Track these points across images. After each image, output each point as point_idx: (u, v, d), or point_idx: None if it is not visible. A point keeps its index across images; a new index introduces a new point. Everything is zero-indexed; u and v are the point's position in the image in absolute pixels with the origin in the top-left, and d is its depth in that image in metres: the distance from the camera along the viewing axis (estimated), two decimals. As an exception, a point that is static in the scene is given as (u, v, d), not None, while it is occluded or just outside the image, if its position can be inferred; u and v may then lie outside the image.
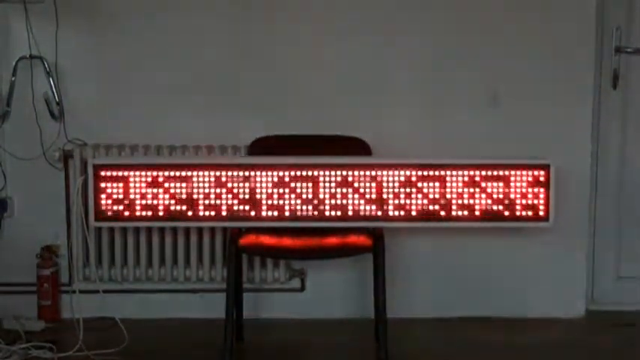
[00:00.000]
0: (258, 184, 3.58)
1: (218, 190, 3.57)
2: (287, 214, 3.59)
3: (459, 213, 3.61)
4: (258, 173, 3.57)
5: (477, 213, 3.61)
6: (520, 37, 3.94)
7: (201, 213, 3.59)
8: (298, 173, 3.58)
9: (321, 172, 3.58)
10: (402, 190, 3.59)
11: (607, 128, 4.09)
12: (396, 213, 3.59)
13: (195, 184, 3.58)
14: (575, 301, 4.06)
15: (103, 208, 3.60)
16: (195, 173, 3.57)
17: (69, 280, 3.97)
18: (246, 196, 3.58)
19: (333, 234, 3.63)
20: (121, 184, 3.58)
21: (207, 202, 3.58)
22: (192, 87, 3.95)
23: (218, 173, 3.58)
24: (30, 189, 3.97)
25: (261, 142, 3.85)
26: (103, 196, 3.59)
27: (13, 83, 3.89)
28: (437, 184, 3.59)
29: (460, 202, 3.60)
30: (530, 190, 3.60)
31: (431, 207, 3.60)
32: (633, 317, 4.05)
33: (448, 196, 3.59)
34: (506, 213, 3.61)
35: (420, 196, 3.59)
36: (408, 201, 3.59)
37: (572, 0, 3.92)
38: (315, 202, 3.59)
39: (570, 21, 3.93)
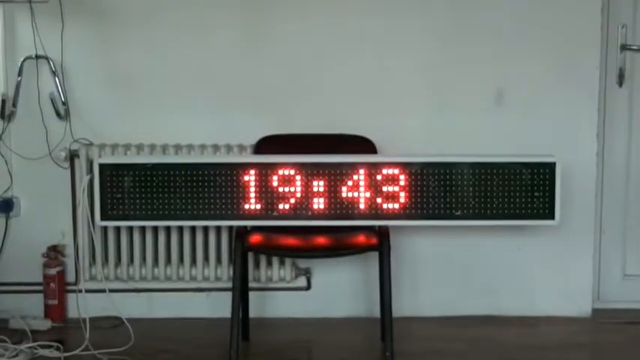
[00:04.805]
0: (264, 183, 3.58)
1: (224, 189, 3.57)
2: (293, 212, 3.59)
3: (465, 211, 3.60)
4: (264, 172, 3.57)
5: (483, 211, 3.60)
6: (525, 35, 3.93)
7: (207, 212, 3.59)
8: (304, 172, 3.58)
9: (327, 171, 3.58)
10: (407, 188, 3.59)
11: (613, 126, 4.09)
12: (402, 211, 3.59)
13: (201, 183, 3.58)
14: (581, 300, 4.05)
15: (109, 207, 3.60)
16: (201, 172, 3.58)
17: (75, 280, 3.97)
18: (252, 195, 3.58)
19: (338, 232, 3.63)
20: (126, 184, 3.59)
21: (213, 200, 3.58)
22: (198, 86, 3.95)
23: (224, 172, 3.58)
24: (36, 189, 3.98)
25: (267, 141, 3.85)
26: (109, 195, 3.59)
27: (18, 83, 3.90)
28: (442, 182, 3.59)
29: (466, 200, 3.60)
30: (536, 188, 3.59)
31: (436, 205, 3.59)
32: (639, 315, 4.04)
33: (454, 194, 3.59)
34: (512, 211, 3.60)
35: (425, 194, 3.59)
36: (413, 199, 3.59)
37: (578, -2, 3.93)
38: (321, 200, 3.59)
39: (576, 19, 3.92)
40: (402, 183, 3.59)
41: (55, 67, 3.88)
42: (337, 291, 4.04)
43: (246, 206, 3.59)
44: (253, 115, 3.94)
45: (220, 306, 3.86)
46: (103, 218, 3.64)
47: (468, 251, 4.01)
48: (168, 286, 4.01)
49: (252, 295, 3.86)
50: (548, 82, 3.95)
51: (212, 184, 3.59)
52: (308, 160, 3.61)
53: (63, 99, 3.91)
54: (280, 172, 3.59)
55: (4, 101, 3.90)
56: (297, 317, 4.01)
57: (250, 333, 3.77)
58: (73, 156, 3.91)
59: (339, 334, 3.89)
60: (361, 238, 3.60)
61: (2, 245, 3.99)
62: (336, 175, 3.59)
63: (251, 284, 3.89)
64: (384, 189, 3.59)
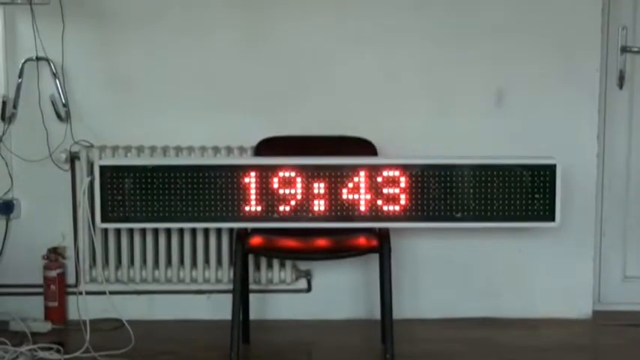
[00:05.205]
0: (264, 185, 3.58)
1: (225, 191, 3.57)
2: (293, 214, 3.59)
3: (465, 213, 3.60)
4: (264, 174, 3.57)
5: (483, 213, 3.60)
6: (526, 37, 3.93)
7: (207, 214, 3.59)
8: (304, 174, 3.58)
9: (327, 173, 3.58)
10: (407, 190, 3.58)
11: (613, 128, 4.09)
12: (402, 213, 3.59)
13: (201, 185, 3.58)
14: (581, 302, 4.05)
15: (110, 209, 3.60)
16: (201, 174, 3.57)
17: (75, 282, 3.97)
18: (253, 197, 3.58)
19: (339, 234, 3.63)
20: (127, 186, 3.59)
21: (213, 202, 3.58)
22: (198, 88, 3.95)
23: (225, 174, 3.58)
24: (36, 191, 3.98)
25: (268, 143, 3.85)
26: (110, 197, 3.59)
27: (19, 85, 3.90)
28: (442, 184, 3.59)
29: (466, 202, 3.60)
30: (536, 190, 3.59)
31: (437, 207, 3.59)
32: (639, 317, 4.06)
33: (454, 196, 3.59)
34: (513, 213, 3.60)
35: (425, 196, 3.59)
36: (413, 201, 3.58)
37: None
38: (322, 202, 3.58)
39: (576, 20, 3.92)
40: (402, 185, 3.58)
41: (55, 68, 3.89)
42: (338, 293, 4.04)
43: (247, 208, 3.59)
44: (254, 117, 3.94)
45: (221, 308, 3.86)
46: (103, 220, 3.63)
47: (468, 253, 4.01)
48: (169, 288, 4.01)
49: (252, 297, 3.86)
50: (548, 84, 3.96)
51: (212, 186, 3.58)
52: (308, 162, 3.60)
53: (63, 101, 3.91)
54: (281, 174, 3.58)
55: (4, 103, 3.90)
56: (297, 319, 4.01)
57: (251, 335, 3.76)
58: (73, 158, 3.91)
59: (339, 336, 3.88)
60: (361, 240, 3.60)
61: (2, 247, 3.99)
62: (337, 177, 3.59)
63: (251, 286, 3.88)
64: (385, 191, 3.58)
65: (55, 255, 3.97)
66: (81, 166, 3.88)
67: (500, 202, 3.60)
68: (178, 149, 3.89)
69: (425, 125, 3.97)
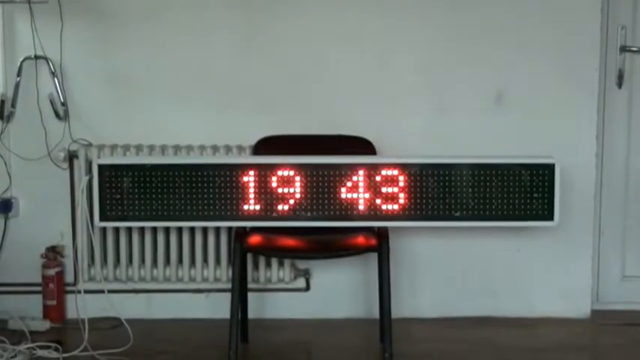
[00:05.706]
0: (263, 184, 3.58)
1: (223, 190, 3.57)
2: (292, 213, 3.59)
3: (464, 212, 3.60)
4: (263, 173, 3.57)
5: (482, 212, 3.60)
6: (525, 37, 3.93)
7: (206, 213, 3.59)
8: (303, 173, 3.58)
9: (326, 172, 3.58)
10: (406, 189, 3.58)
11: (612, 127, 4.09)
12: (401, 212, 3.59)
13: (200, 184, 3.58)
14: (580, 301, 4.05)
15: (108, 207, 3.60)
16: (200, 173, 3.58)
17: (74, 280, 3.97)
18: (252, 196, 3.58)
19: (337, 233, 3.63)
20: (125, 184, 3.59)
21: (212, 201, 3.58)
22: (197, 87, 3.95)
23: (223, 173, 3.58)
24: (35, 189, 3.97)
25: (266, 142, 3.85)
26: (108, 196, 3.59)
27: (18, 83, 3.90)
28: (441, 183, 3.59)
29: (465, 201, 3.60)
30: (535, 189, 3.59)
31: (436, 206, 3.59)
32: (639, 317, 4.04)
33: (453, 195, 3.59)
34: (512, 212, 3.60)
35: (424, 195, 3.59)
36: (412, 200, 3.58)
37: (578, -1, 3.93)
38: (320, 201, 3.58)
39: (576, 20, 3.92)
40: (401, 184, 3.59)
41: (54, 67, 3.88)
42: (336, 292, 4.04)
43: (246, 207, 3.59)
44: (252, 116, 3.94)
45: (219, 307, 3.85)
46: (101, 219, 3.64)
47: (467, 252, 4.01)
48: (167, 287, 4.01)
49: (251, 296, 3.86)
50: (547, 84, 3.96)
51: (211, 184, 3.59)
52: (307, 161, 3.61)
53: (62, 99, 3.91)
54: (279, 172, 3.58)
55: (3, 102, 3.90)
56: (296, 318, 4.01)
57: (249, 334, 3.76)
58: (72, 157, 3.91)
59: (338, 335, 3.88)
60: (360, 239, 3.60)
61: (1, 246, 3.98)
62: (336, 176, 3.59)
63: (250, 285, 3.88)
64: (384, 190, 3.59)
65: (53, 254, 3.96)
66: (79, 165, 3.88)
67: (499, 201, 3.60)
68: (177, 148, 3.89)
69: (424, 124, 3.97)
